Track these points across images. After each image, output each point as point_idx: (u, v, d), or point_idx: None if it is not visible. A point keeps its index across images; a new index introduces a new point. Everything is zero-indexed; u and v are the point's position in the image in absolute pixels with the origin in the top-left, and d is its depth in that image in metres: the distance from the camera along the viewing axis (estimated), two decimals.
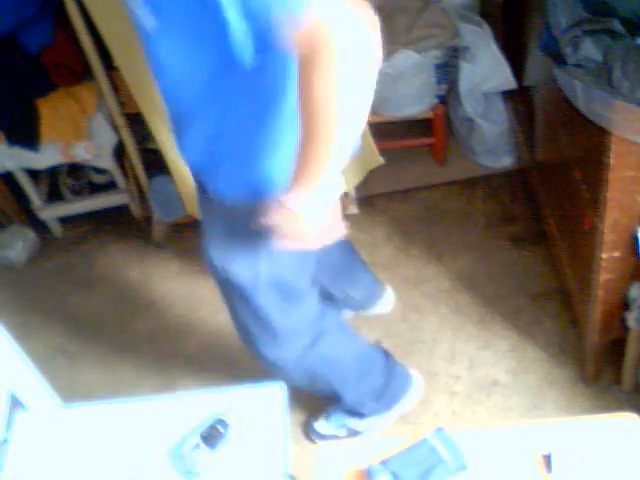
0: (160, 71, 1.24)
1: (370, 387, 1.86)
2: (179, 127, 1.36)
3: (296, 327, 1.64)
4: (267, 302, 1.53)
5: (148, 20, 1.12)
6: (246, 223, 1.29)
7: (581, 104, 1.45)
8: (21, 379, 1.39)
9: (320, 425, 1.97)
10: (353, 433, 1.94)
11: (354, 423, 1.93)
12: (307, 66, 1.04)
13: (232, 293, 1.56)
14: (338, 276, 2.01)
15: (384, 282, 2.21)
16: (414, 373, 1.99)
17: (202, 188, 1.45)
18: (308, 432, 1.99)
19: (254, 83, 1.16)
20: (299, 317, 1.63)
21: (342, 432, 1.95)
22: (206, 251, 1.52)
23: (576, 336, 2.06)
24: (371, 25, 1.07)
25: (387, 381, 1.87)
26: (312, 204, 1.17)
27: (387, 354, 1.91)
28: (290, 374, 1.73)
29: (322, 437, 1.96)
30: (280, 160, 1.25)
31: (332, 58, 1.02)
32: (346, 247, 2.01)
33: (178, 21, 1.10)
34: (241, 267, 1.46)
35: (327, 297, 2.05)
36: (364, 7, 1.07)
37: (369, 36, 1.06)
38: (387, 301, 2.22)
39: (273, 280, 1.48)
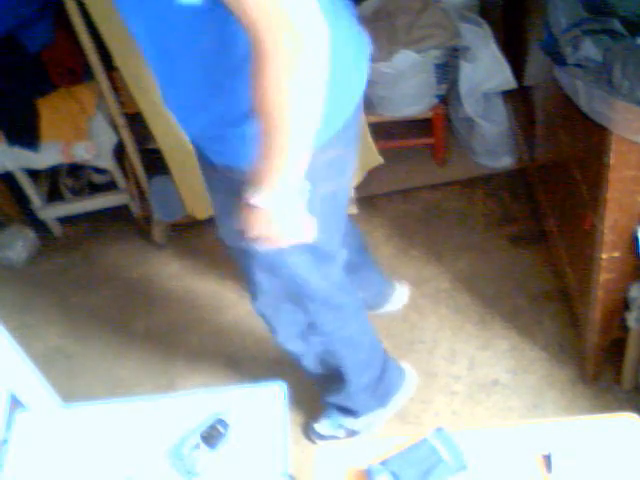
0: (133, 34, 1.20)
1: (368, 378, 1.86)
2: (162, 91, 1.32)
3: (330, 289, 1.61)
4: (301, 264, 1.48)
5: None
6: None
7: (582, 103, 1.45)
8: (21, 379, 1.39)
9: (320, 426, 1.97)
10: (351, 433, 1.94)
11: (350, 422, 1.93)
12: (262, 61, 0.99)
13: (260, 263, 1.49)
14: (350, 276, 2.00)
15: (393, 280, 2.21)
16: (407, 367, 1.99)
17: (200, 158, 1.43)
18: (308, 433, 1.99)
19: (201, 25, 1.10)
20: (332, 280, 1.60)
21: (340, 432, 1.95)
22: (220, 226, 1.47)
23: (576, 336, 2.06)
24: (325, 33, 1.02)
25: (381, 375, 1.88)
26: (275, 202, 1.15)
27: (382, 345, 1.91)
28: (306, 354, 1.74)
29: (322, 438, 1.96)
30: (237, 107, 1.19)
31: (288, 51, 0.98)
32: (358, 246, 2.00)
33: None
34: None
35: None
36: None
37: (323, 39, 1.01)
38: (397, 299, 2.20)
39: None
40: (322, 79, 1.04)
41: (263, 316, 1.70)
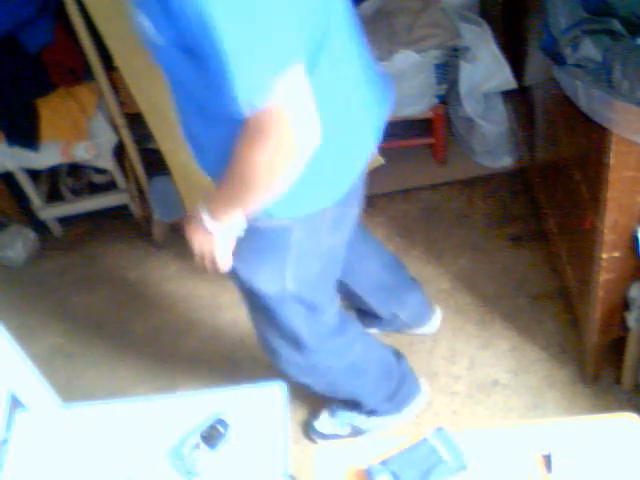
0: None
1: (386, 389, 1.87)
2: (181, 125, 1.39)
3: (322, 336, 1.65)
4: (293, 314, 1.55)
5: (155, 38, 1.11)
6: (266, 235, 1.37)
7: (582, 103, 1.45)
8: (21, 379, 1.39)
9: (321, 423, 1.96)
10: (357, 432, 1.93)
11: (360, 421, 1.93)
12: (250, 136, 1.08)
13: (257, 305, 1.58)
14: (385, 297, 2.01)
15: (433, 303, 2.19)
16: (422, 381, 2.00)
17: None
18: (308, 431, 1.99)
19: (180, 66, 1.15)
20: (323, 327, 1.65)
21: (345, 430, 1.94)
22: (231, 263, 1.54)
23: (576, 336, 2.06)
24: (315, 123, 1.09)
25: (400, 383, 1.88)
26: (221, 231, 1.27)
27: (401, 356, 1.92)
28: (314, 385, 1.76)
29: (323, 436, 1.95)
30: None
31: (276, 141, 1.07)
32: (392, 266, 2.01)
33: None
34: (267, 281, 1.48)
35: (373, 317, 2.06)
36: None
37: (313, 132, 1.09)
38: (434, 322, 2.18)
39: (298, 293, 1.50)
40: (298, 169, 1.13)
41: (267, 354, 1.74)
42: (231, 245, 1.33)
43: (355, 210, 1.53)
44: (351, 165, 1.38)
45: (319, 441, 1.96)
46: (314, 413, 2.00)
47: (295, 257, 1.43)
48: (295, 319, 1.57)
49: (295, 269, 1.45)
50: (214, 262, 1.35)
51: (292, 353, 1.66)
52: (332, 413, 1.96)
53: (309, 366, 1.70)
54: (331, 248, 1.50)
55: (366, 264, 1.90)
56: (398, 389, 1.89)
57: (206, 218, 1.26)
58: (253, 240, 1.36)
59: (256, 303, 1.56)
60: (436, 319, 2.17)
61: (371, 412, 1.91)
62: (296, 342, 1.63)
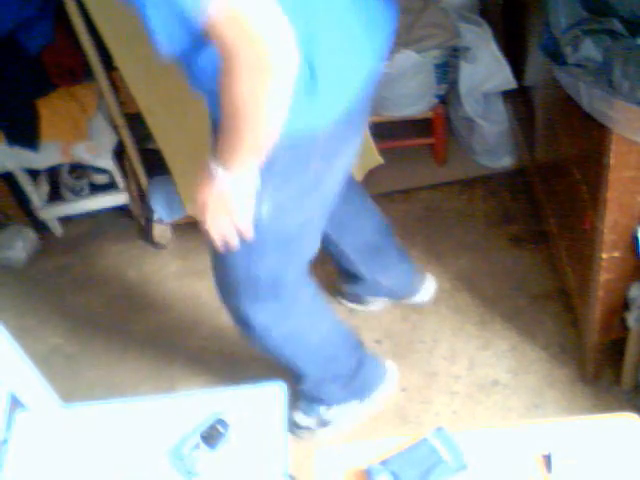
0: None
1: (335, 373, 1.85)
2: None
3: (278, 281, 1.57)
4: (263, 246, 1.46)
5: None
6: None
7: (584, 102, 1.45)
8: (21, 379, 1.39)
9: (298, 416, 1.96)
10: (323, 423, 1.94)
11: (322, 411, 1.93)
12: (224, 64, 1.05)
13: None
14: (371, 258, 1.99)
15: (424, 272, 2.18)
16: (389, 365, 1.99)
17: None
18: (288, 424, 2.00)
19: None
20: (286, 270, 1.57)
21: (313, 422, 1.94)
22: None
23: (576, 336, 2.06)
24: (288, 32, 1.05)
25: (357, 368, 1.87)
26: (236, 182, 1.22)
27: (359, 342, 1.91)
28: (258, 339, 1.70)
29: (298, 427, 1.95)
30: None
31: (248, 62, 1.04)
32: (382, 230, 2.00)
33: None
34: None
35: (356, 278, 2.05)
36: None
37: (286, 40, 1.04)
38: (427, 290, 2.18)
39: (274, 224, 1.41)
40: (287, 89, 1.09)
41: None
42: (249, 201, 1.27)
43: (354, 139, 1.45)
44: (346, 84, 1.29)
45: (297, 432, 1.95)
46: (293, 405, 2.00)
47: (277, 183, 1.34)
48: (264, 251, 1.48)
49: (272, 194, 1.35)
50: (233, 223, 1.29)
51: (247, 297, 1.59)
52: (301, 405, 1.96)
53: (256, 317, 1.63)
54: (320, 182, 1.42)
55: (359, 222, 1.89)
56: (355, 374, 1.87)
57: (217, 170, 1.21)
58: None
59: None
60: (428, 288, 2.17)
61: (324, 400, 1.90)
62: (253, 282, 1.55)
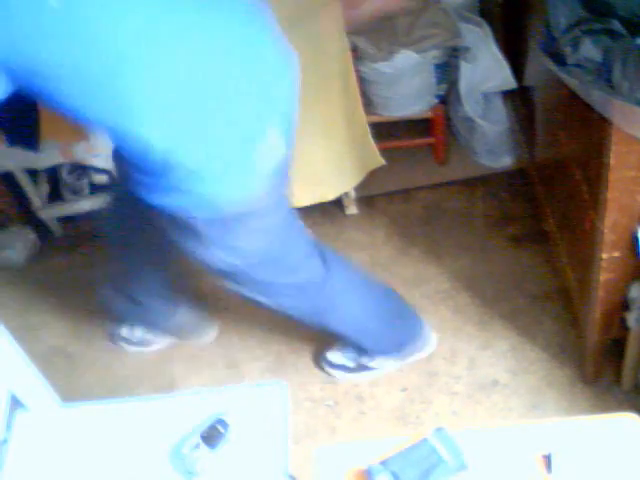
0: None
1: (377, 325, 1.92)
2: None
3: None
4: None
5: None
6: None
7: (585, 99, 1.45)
8: (21, 379, 1.39)
9: (332, 354, 2.04)
10: (362, 368, 2.03)
11: (365, 360, 2.01)
12: None
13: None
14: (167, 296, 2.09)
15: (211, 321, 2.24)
16: (428, 325, 2.05)
17: None
18: (319, 361, 2.07)
19: None
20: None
21: (352, 364, 2.02)
22: None
23: (576, 336, 2.06)
24: None
25: (400, 321, 1.96)
26: None
27: (408, 306, 2.00)
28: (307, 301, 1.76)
29: (332, 366, 2.05)
30: None
31: None
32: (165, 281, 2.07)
33: None
34: None
35: (145, 309, 2.11)
36: None
37: None
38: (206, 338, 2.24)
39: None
40: None
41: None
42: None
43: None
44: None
45: (328, 369, 2.06)
46: (328, 345, 2.06)
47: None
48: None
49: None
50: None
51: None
52: (343, 347, 2.03)
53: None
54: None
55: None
56: (398, 326, 1.95)
57: None
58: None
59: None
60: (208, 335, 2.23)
61: (373, 353, 1.98)
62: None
